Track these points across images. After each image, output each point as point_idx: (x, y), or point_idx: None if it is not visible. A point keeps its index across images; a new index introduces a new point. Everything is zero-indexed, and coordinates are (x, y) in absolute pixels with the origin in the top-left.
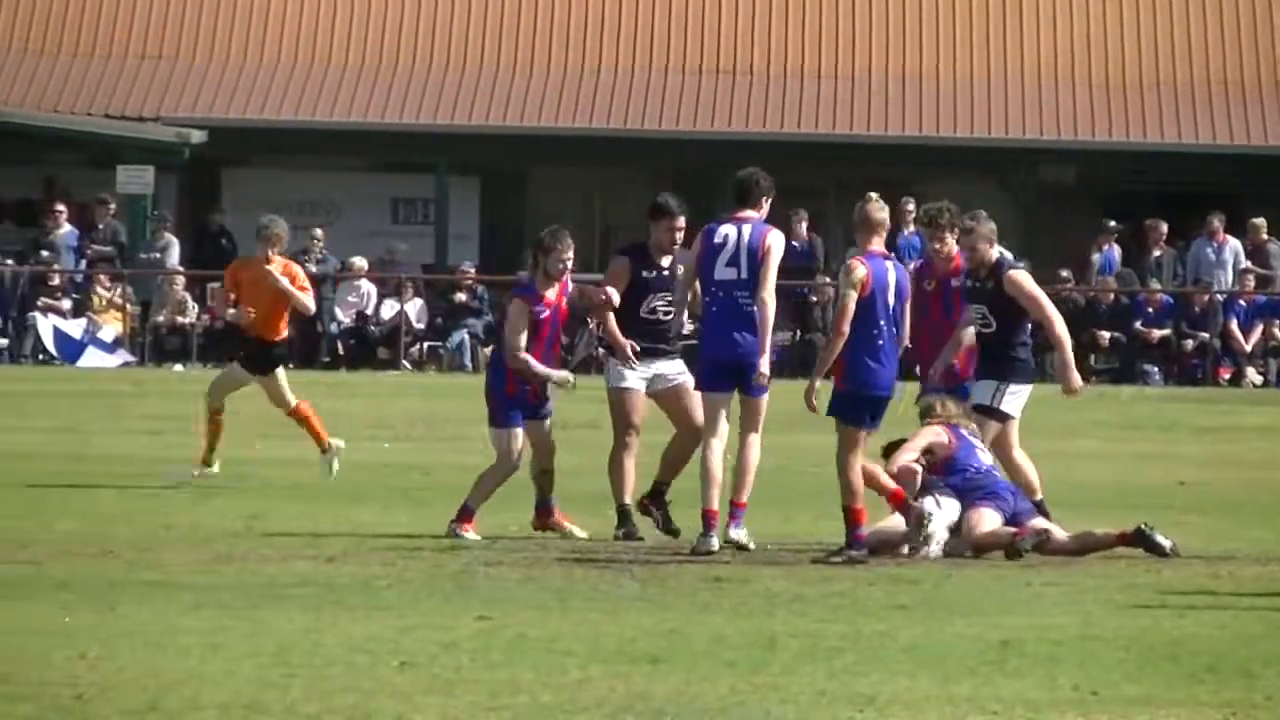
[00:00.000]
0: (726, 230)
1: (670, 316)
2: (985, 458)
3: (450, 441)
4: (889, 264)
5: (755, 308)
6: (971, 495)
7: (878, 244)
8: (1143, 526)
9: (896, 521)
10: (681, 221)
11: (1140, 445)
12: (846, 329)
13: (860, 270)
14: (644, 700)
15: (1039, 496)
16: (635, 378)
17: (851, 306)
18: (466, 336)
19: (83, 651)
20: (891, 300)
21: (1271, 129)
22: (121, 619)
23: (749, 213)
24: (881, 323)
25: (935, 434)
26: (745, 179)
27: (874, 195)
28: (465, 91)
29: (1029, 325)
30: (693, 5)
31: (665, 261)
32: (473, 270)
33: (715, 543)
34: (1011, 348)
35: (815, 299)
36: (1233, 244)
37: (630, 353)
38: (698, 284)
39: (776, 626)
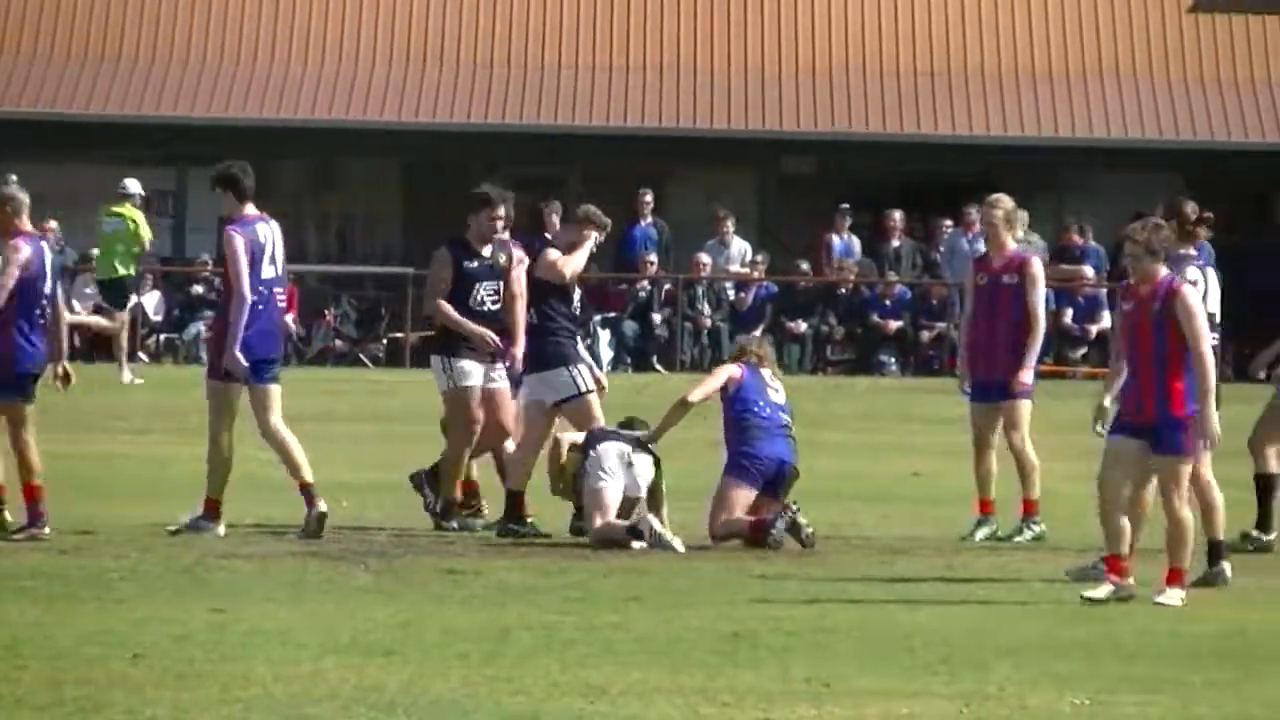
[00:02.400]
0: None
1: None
2: (778, 398)
3: (181, 433)
4: (45, 244)
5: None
6: (743, 433)
7: (28, 224)
8: (790, 507)
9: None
10: (502, 211)
11: (877, 436)
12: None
13: (25, 250)
14: (377, 692)
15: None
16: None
17: (10, 286)
18: (203, 328)
19: None
20: (49, 283)
21: (1012, 119)
22: None
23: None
24: (44, 302)
25: (728, 372)
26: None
27: (13, 177)
28: (205, 82)
29: None
30: None
31: (486, 251)
32: (210, 262)
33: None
34: None
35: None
36: None
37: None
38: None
39: (509, 618)
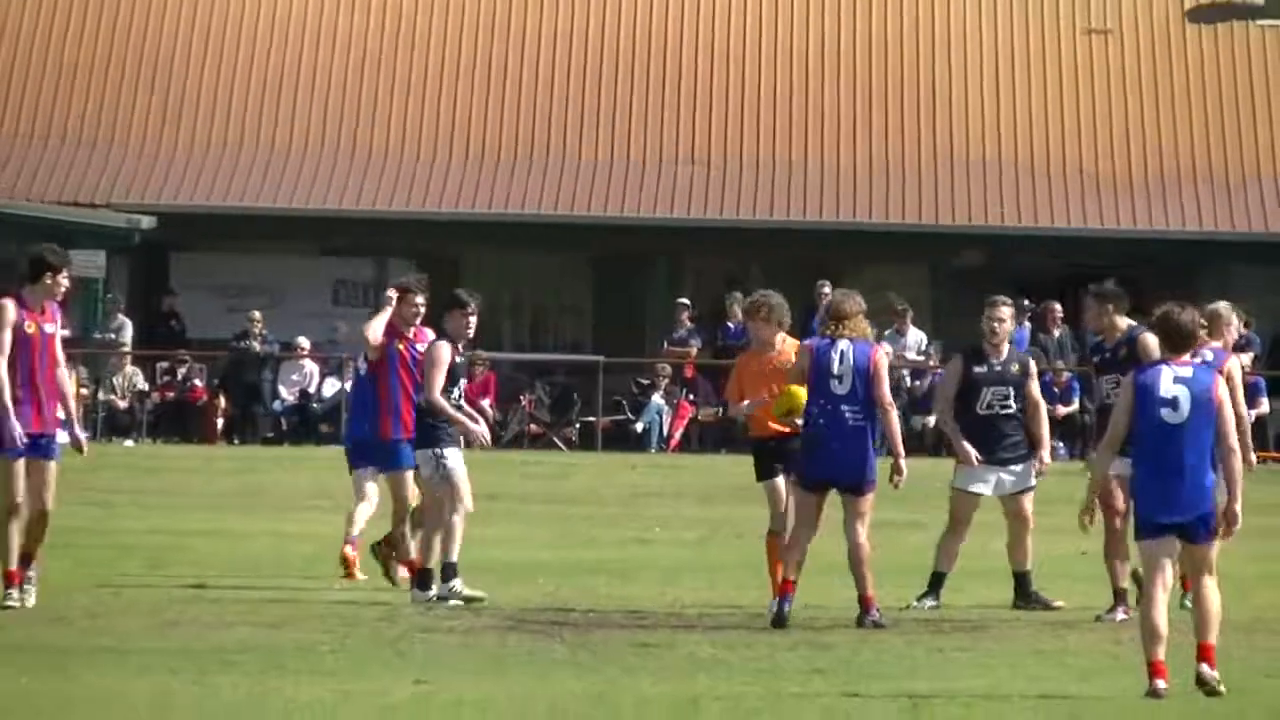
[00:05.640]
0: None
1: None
2: (841, 387)
3: (384, 515)
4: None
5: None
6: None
7: None
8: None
9: None
10: (1004, 312)
11: (1049, 519)
12: None
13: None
14: None
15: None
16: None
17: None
18: None
19: (38, 712)
20: None
21: (1170, 213)
22: (74, 683)
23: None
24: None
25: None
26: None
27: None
28: (403, 178)
29: None
30: (628, 95)
31: (998, 358)
32: None
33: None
34: None
35: None
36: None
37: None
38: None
39: (699, 689)
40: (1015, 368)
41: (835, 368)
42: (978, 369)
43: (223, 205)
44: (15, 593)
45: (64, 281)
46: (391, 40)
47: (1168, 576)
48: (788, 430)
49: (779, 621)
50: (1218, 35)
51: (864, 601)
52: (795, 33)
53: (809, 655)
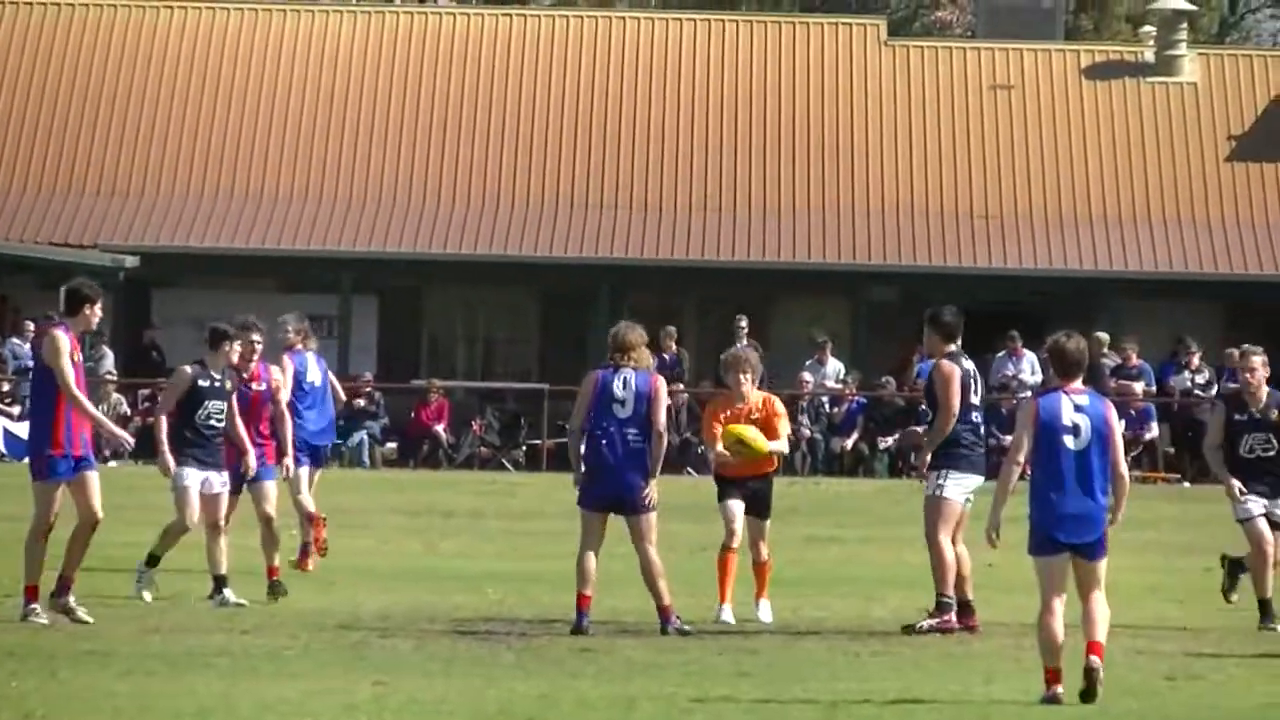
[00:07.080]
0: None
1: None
2: (623, 411)
3: (350, 529)
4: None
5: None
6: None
7: None
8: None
9: None
10: (1256, 361)
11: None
12: None
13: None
14: None
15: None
16: None
17: None
18: (365, 436)
19: (28, 712)
20: None
21: (1069, 254)
22: (62, 684)
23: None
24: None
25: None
26: None
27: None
28: (365, 220)
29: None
30: (573, 147)
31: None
32: (370, 378)
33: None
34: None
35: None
36: (1029, 356)
37: None
38: None
39: (635, 690)
40: (1274, 413)
41: (619, 393)
42: (1238, 417)
43: (200, 246)
44: (39, 608)
45: (99, 312)
46: (356, 99)
47: (1064, 591)
48: (751, 471)
49: (579, 630)
50: (1111, 91)
51: (662, 612)
52: (725, 93)
53: (736, 659)
